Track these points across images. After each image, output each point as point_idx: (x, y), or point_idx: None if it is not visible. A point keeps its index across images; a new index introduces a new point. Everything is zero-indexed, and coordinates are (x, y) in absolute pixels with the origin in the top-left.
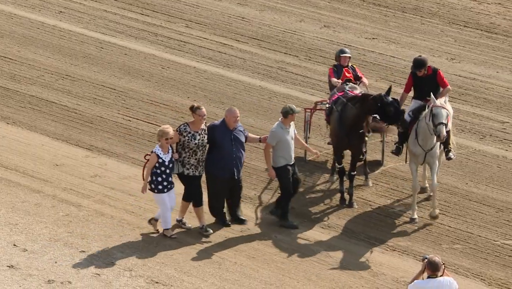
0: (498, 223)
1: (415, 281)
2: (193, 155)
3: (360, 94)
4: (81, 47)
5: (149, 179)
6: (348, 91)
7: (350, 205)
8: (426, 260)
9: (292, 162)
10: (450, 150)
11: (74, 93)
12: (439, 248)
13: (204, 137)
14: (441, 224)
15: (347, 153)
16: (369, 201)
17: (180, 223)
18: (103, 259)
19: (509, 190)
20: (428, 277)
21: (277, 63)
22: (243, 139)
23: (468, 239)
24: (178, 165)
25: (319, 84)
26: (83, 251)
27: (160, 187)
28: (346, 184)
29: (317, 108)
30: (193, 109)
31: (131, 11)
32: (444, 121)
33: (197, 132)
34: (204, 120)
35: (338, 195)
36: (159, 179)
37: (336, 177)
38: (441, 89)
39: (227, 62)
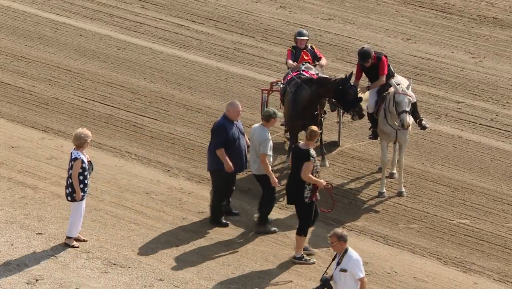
0: (454, 202)
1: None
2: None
3: (317, 76)
4: (36, 28)
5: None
6: (303, 72)
7: None
8: None
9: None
10: (422, 119)
11: (29, 75)
12: (396, 228)
13: None
14: (398, 203)
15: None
16: (326, 181)
17: (302, 260)
18: (60, 241)
19: (465, 169)
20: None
21: (233, 44)
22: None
23: (424, 218)
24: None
25: (275, 65)
26: (40, 233)
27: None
28: None
29: (273, 89)
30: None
31: None
32: (407, 109)
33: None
34: None
35: None
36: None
37: None
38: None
39: (184, 43)
